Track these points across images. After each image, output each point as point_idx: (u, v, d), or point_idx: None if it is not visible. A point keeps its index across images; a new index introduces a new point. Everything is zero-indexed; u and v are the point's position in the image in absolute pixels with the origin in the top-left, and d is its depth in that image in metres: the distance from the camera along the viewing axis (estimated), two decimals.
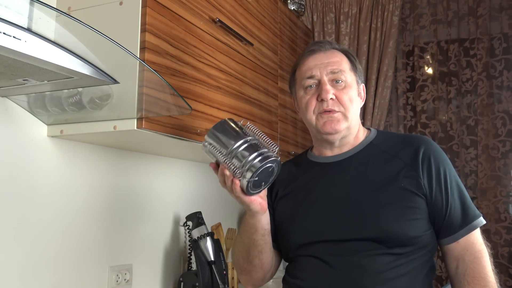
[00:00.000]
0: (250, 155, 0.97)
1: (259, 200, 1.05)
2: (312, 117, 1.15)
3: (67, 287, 1.37)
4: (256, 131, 1.04)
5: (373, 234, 1.03)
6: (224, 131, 1.02)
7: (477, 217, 1.09)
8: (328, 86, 1.13)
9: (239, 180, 0.99)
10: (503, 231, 2.24)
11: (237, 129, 1.03)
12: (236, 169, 0.98)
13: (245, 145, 0.99)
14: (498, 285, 1.06)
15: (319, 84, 1.14)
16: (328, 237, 1.08)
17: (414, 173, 1.08)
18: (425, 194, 1.07)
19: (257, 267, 1.18)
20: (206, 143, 1.03)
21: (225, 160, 0.99)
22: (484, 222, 1.10)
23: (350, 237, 1.05)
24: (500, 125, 2.30)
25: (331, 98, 1.12)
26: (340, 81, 1.14)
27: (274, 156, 1.00)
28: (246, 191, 1.01)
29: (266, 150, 1.00)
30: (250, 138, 1.01)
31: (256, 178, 0.99)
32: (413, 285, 1.04)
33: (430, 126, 2.47)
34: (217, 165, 1.03)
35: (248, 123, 1.05)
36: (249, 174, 0.97)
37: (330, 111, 1.12)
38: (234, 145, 0.98)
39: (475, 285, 1.04)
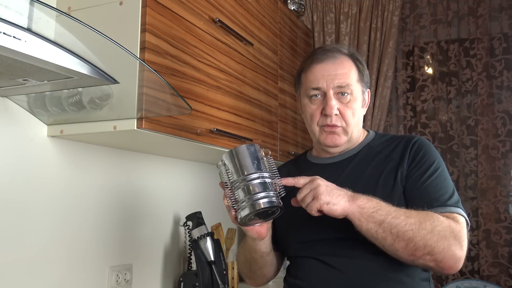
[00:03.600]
0: (255, 193, 0.94)
1: (257, 229, 1.05)
2: (316, 128, 1.17)
3: (67, 287, 1.37)
4: (272, 165, 1.01)
5: None
6: (244, 157, 0.98)
7: (454, 204, 1.02)
8: (333, 102, 1.13)
9: (236, 211, 0.97)
10: (503, 231, 2.24)
11: (254, 160, 0.99)
12: (234, 203, 0.97)
13: (256, 181, 0.95)
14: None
15: (325, 96, 1.14)
16: (327, 236, 1.09)
17: (405, 165, 1.09)
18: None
19: (260, 277, 1.24)
20: (220, 163, 1.00)
21: (230, 189, 0.97)
22: (462, 212, 1.02)
23: (348, 236, 1.05)
24: (500, 125, 2.30)
25: (335, 114, 1.13)
26: (345, 94, 1.14)
27: (278, 203, 0.97)
28: (240, 222, 0.99)
29: (272, 193, 0.96)
30: (261, 174, 0.97)
31: (252, 217, 0.97)
32: (413, 280, 1.05)
33: (430, 126, 2.47)
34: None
35: (270, 154, 1.02)
36: (244, 213, 0.95)
37: (332, 126, 1.14)
38: (238, 179, 0.96)
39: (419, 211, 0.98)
